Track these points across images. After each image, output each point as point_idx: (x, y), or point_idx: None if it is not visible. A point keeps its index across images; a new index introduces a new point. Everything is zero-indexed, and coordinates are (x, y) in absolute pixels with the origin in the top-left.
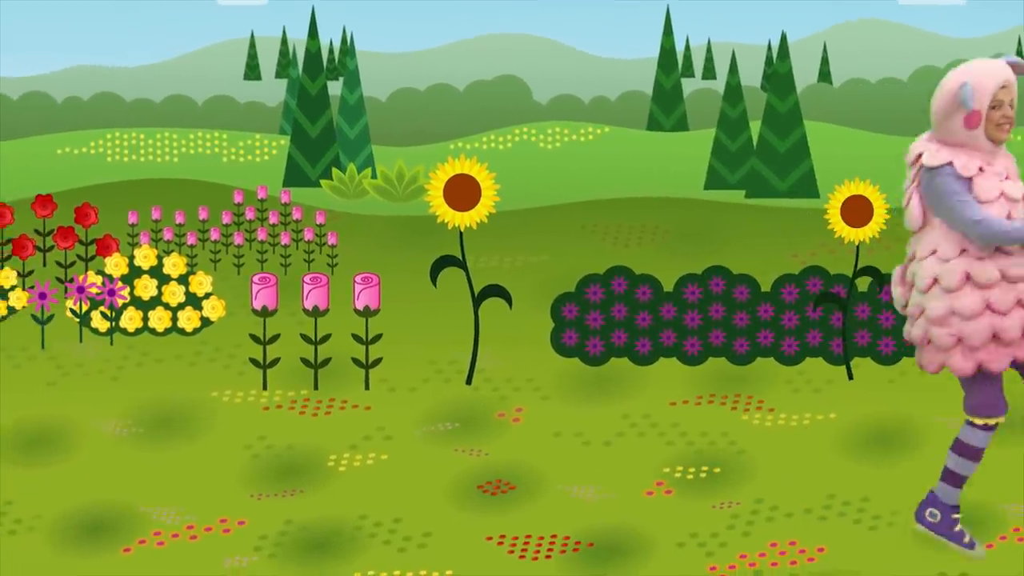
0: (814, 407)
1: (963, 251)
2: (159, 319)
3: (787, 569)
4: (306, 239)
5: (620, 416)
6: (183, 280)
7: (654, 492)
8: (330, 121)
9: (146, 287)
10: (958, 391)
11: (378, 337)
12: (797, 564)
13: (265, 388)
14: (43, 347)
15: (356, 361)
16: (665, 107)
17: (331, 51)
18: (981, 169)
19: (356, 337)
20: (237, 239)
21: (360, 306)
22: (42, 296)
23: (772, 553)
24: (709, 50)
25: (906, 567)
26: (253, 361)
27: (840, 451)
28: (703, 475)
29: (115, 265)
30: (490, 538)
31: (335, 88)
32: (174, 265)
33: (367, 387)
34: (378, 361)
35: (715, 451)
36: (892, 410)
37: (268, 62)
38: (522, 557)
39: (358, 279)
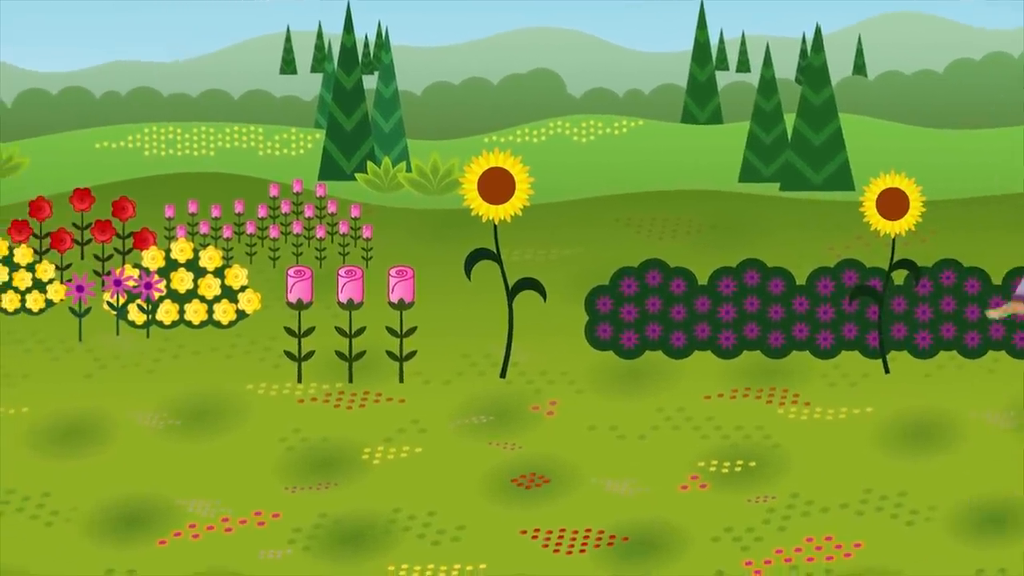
0: (850, 401)
1: None
2: (195, 312)
3: (823, 564)
4: (341, 232)
5: (655, 409)
6: (219, 273)
7: (689, 486)
8: (365, 115)
9: (182, 280)
10: (994, 386)
11: (412, 330)
12: (834, 559)
13: (300, 381)
14: (80, 339)
15: (391, 354)
16: (699, 100)
17: (366, 45)
18: None
19: (391, 330)
20: (273, 232)
21: (395, 299)
22: (80, 289)
23: (808, 548)
24: (743, 43)
25: (945, 564)
26: (288, 354)
27: (877, 445)
28: (738, 469)
29: (152, 258)
30: (524, 532)
31: (370, 82)
32: (210, 258)
33: (401, 380)
34: (412, 354)
35: (750, 445)
36: (929, 404)
37: (304, 56)
38: (556, 551)
39: (393, 272)
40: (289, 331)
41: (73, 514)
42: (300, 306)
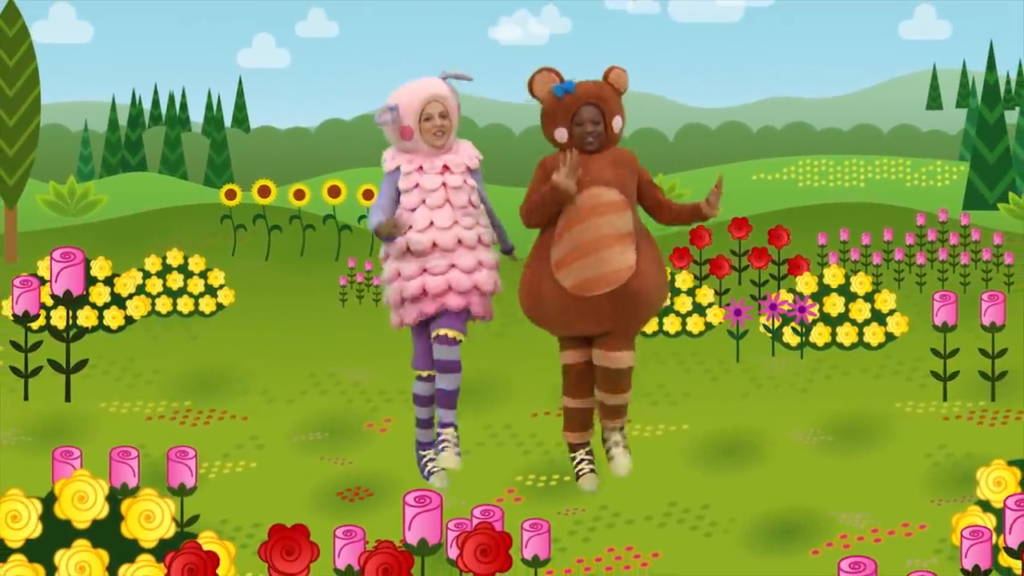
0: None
1: None
2: (846, 334)
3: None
4: (984, 259)
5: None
6: (869, 298)
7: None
8: (1007, 148)
9: (834, 304)
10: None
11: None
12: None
13: (945, 399)
14: (738, 360)
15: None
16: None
17: (1008, 82)
18: None
19: None
20: (919, 259)
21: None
22: (737, 313)
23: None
24: None
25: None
26: (934, 374)
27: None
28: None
29: (805, 284)
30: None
31: (1012, 117)
32: (860, 283)
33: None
34: None
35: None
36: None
37: (949, 93)
38: None
39: None
40: (935, 352)
41: (731, 525)
42: (945, 328)
